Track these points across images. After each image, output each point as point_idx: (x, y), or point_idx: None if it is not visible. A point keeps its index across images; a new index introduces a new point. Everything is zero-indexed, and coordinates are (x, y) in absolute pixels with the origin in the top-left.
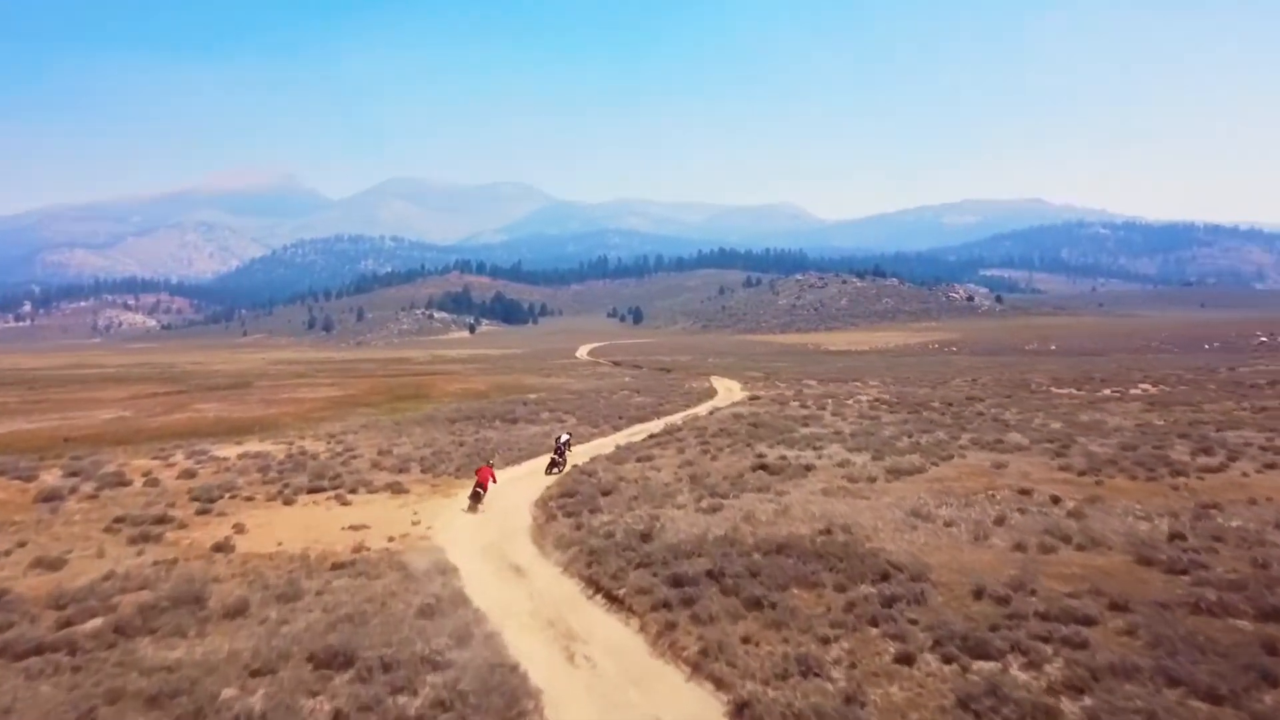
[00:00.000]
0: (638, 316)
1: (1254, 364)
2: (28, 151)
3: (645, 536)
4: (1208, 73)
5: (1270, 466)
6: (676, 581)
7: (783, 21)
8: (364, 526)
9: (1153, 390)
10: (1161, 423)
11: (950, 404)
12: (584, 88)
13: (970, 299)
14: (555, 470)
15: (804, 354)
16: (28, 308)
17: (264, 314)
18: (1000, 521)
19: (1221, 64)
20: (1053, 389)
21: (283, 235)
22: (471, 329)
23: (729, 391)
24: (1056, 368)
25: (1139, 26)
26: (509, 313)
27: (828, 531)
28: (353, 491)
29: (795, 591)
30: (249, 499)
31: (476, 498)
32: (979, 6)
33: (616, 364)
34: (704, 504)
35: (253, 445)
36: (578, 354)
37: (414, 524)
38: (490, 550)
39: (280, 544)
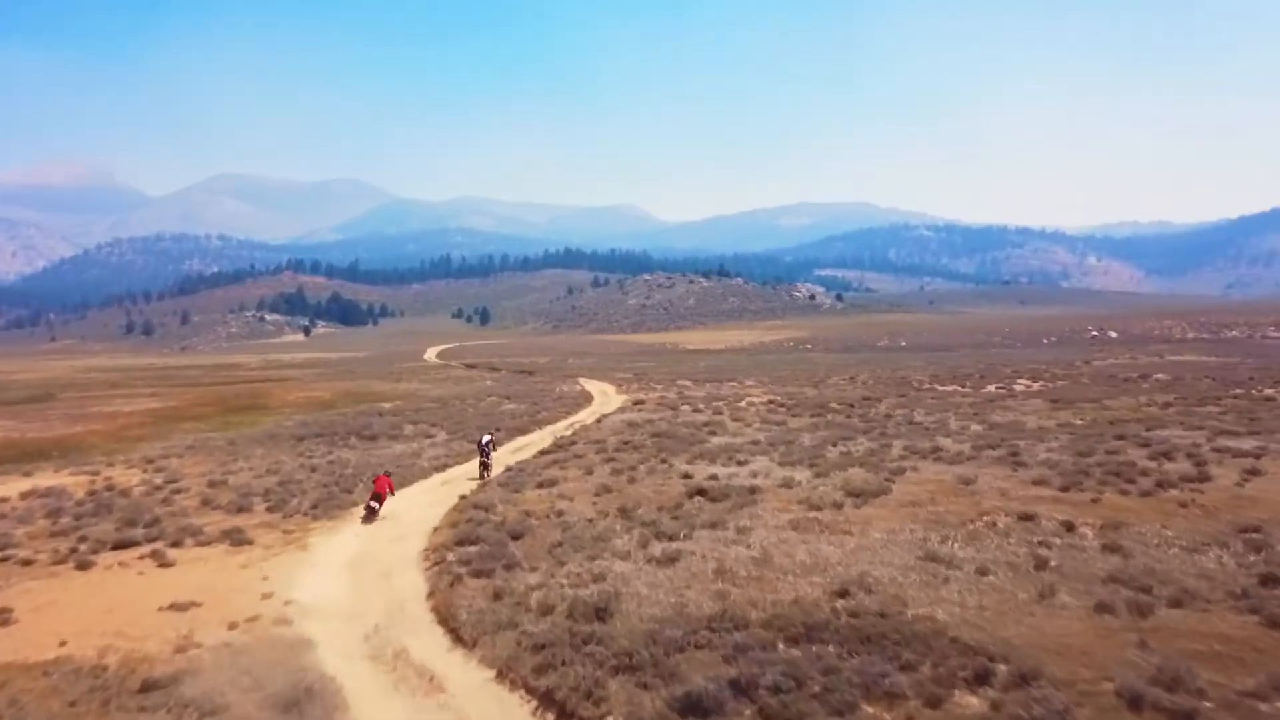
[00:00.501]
0: (485, 317)
1: (1103, 358)
2: None
3: (601, 613)
4: (1016, 83)
5: (1253, 473)
6: (692, 707)
7: (619, 23)
8: (193, 604)
9: (1034, 386)
10: (1080, 422)
11: (851, 405)
12: (423, 83)
13: (812, 297)
14: (485, 474)
15: (663, 353)
16: None
17: (75, 318)
18: (1042, 566)
19: (1028, 75)
20: (937, 386)
21: (97, 234)
22: (307, 331)
23: (605, 395)
24: (922, 364)
25: (954, 36)
26: (347, 314)
27: (843, 593)
28: (176, 544)
29: (870, 710)
30: (26, 562)
31: (372, 512)
32: (808, 13)
33: (471, 367)
34: (654, 551)
35: (45, 478)
36: (426, 356)
37: (265, 596)
38: (382, 640)
39: (64, 643)
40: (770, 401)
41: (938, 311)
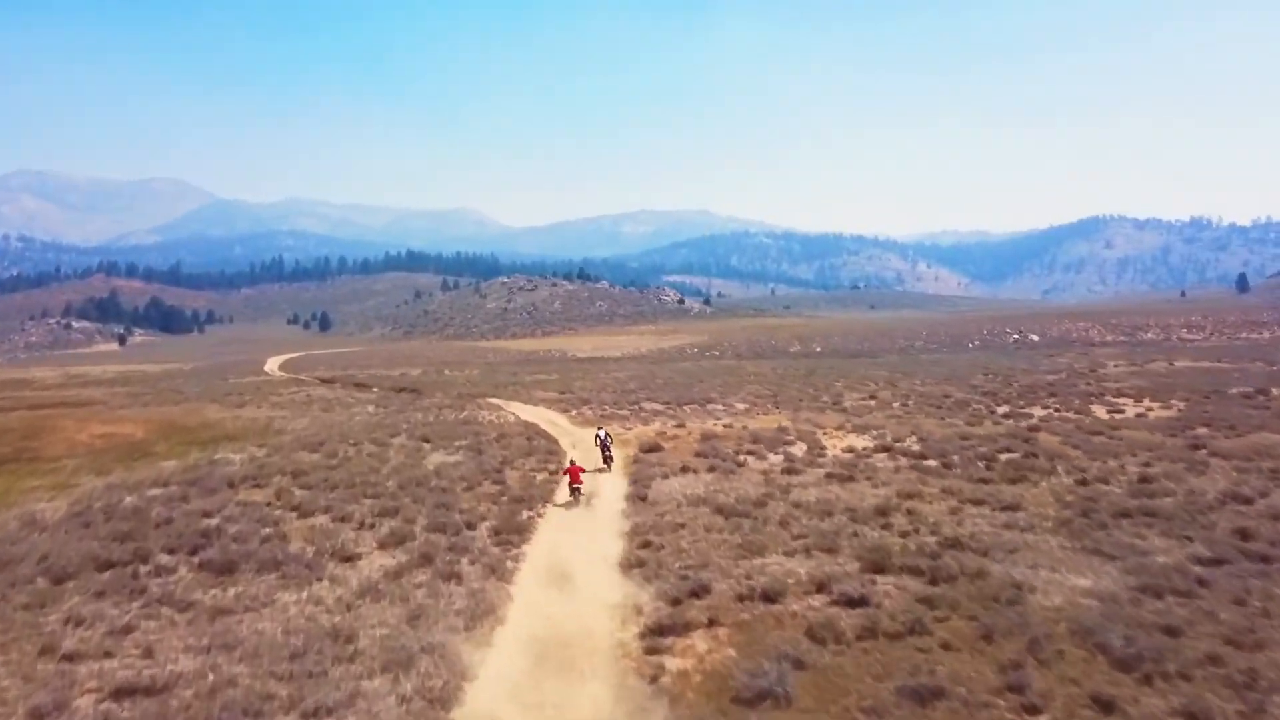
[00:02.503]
0: (324, 323)
1: (1054, 363)
2: None
3: None
4: (843, 98)
5: None
6: None
7: (453, 23)
8: None
9: (1166, 408)
10: None
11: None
12: (249, 79)
13: (681, 301)
14: (607, 467)
15: (555, 362)
16: None
17: None
18: None
19: (854, 90)
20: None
21: None
22: (122, 340)
23: (560, 429)
24: (888, 373)
25: (783, 50)
26: (169, 321)
27: None
28: None
29: None
30: None
31: (575, 493)
32: (642, 21)
33: (327, 381)
34: None
35: None
36: (268, 368)
37: None
38: None
39: None
40: (883, 449)
41: (797, 315)
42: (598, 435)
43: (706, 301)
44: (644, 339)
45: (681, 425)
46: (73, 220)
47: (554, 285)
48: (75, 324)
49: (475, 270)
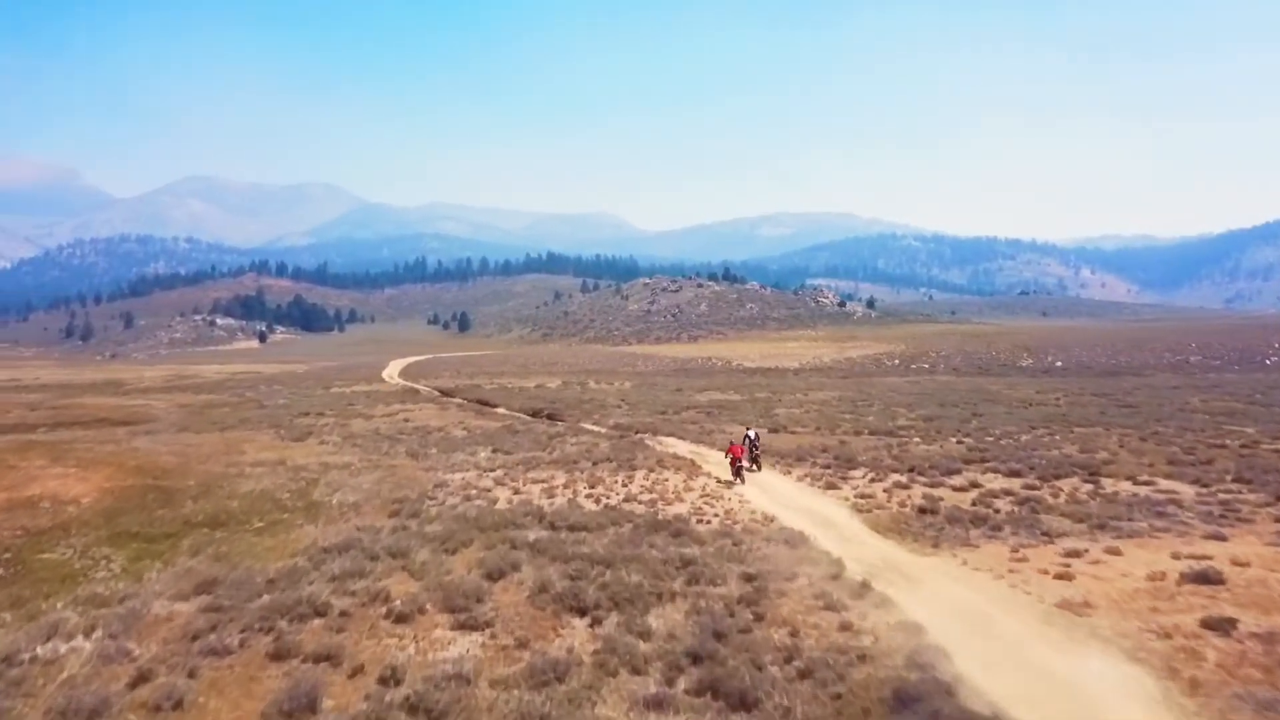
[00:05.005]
0: (463, 324)
1: None
2: None
3: None
4: (992, 96)
5: None
6: None
7: (595, 28)
8: None
9: None
10: None
11: None
12: (395, 86)
13: (842, 304)
14: (753, 468)
15: (718, 374)
16: None
17: (16, 320)
18: None
19: (1002, 89)
20: None
21: (61, 235)
22: (262, 338)
23: (818, 522)
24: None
25: (931, 48)
26: (310, 319)
27: None
28: None
29: None
30: None
31: (738, 472)
32: (784, 23)
33: (446, 393)
34: None
35: None
36: (386, 374)
37: None
38: None
39: None
40: None
41: (966, 322)
42: (747, 436)
43: (869, 305)
44: (818, 346)
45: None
46: (234, 223)
47: (700, 286)
48: (219, 321)
49: (614, 272)
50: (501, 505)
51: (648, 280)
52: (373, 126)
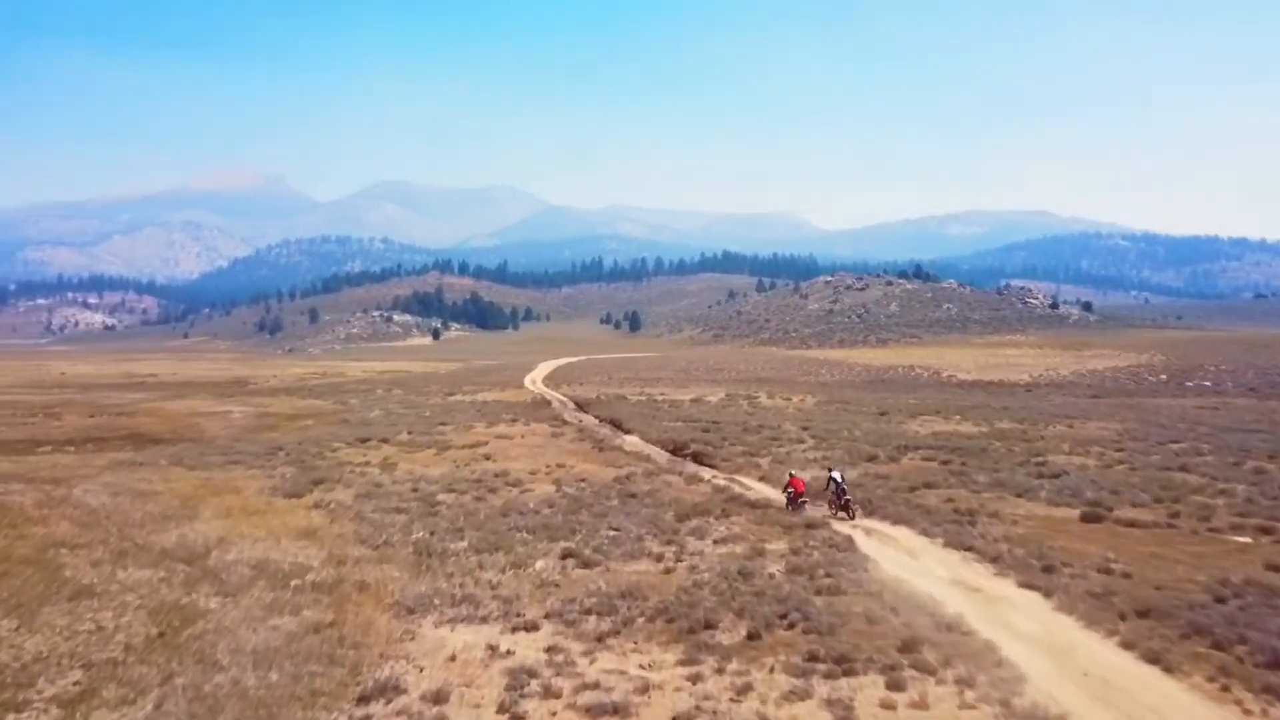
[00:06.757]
0: (635, 323)
1: None
2: (14, 148)
3: None
4: (1206, 87)
5: None
6: None
7: (778, 26)
8: None
9: None
10: None
11: None
12: (575, 87)
13: (1054, 306)
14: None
15: (927, 388)
16: None
17: (220, 315)
18: None
19: (1214, 80)
20: None
21: (270, 237)
22: (436, 334)
23: None
24: None
25: (1120, 28)
26: (485, 316)
27: None
28: None
29: None
30: None
31: (794, 501)
32: (967, 13)
33: (581, 406)
34: None
35: None
36: (529, 379)
37: None
38: None
39: None
40: None
41: (1196, 328)
42: (832, 478)
43: (1087, 308)
44: (1045, 355)
45: None
46: (424, 225)
47: (889, 284)
48: (396, 317)
49: (792, 272)
50: None
51: (829, 278)
52: (557, 130)
